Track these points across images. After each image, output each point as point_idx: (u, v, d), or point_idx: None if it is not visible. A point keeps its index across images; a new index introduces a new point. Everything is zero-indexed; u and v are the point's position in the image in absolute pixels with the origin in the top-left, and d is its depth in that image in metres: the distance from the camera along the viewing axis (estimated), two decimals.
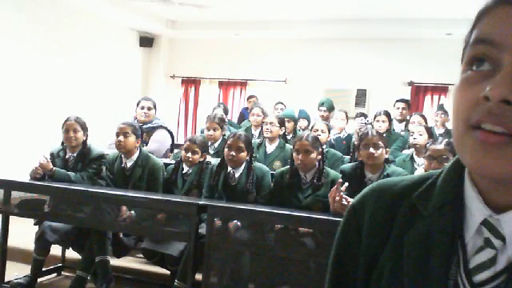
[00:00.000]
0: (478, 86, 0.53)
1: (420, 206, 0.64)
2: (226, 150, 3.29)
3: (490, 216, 0.57)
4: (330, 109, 5.65)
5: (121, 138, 3.50)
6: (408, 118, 5.36)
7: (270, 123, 4.31)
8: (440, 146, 2.91)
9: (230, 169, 3.32)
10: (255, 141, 4.35)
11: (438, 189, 0.64)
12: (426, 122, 4.92)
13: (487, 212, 0.58)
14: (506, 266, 0.56)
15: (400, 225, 0.65)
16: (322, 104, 5.70)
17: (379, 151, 3.04)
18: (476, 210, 0.59)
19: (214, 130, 4.34)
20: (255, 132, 5.08)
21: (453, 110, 0.57)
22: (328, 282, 0.73)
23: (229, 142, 3.28)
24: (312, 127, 4.53)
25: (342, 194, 2.67)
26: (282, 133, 4.38)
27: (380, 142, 3.06)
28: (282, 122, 4.40)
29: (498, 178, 0.53)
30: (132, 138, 3.52)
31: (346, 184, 2.71)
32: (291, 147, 3.41)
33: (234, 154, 3.23)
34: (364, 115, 5.76)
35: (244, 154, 3.27)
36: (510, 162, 0.51)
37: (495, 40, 0.53)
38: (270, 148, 4.32)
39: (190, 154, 3.51)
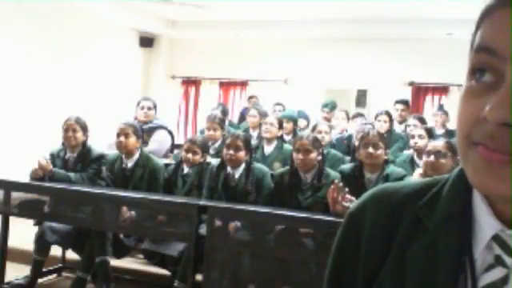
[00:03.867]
0: (479, 99, 0.48)
1: (424, 218, 0.58)
2: (224, 149, 3.29)
3: (501, 230, 0.52)
4: (334, 110, 5.66)
5: (122, 138, 3.49)
6: (408, 118, 5.33)
7: (270, 124, 4.29)
8: (439, 142, 2.92)
9: (229, 169, 3.31)
10: (253, 142, 4.32)
11: (443, 198, 0.58)
12: (422, 124, 4.88)
13: (498, 226, 0.52)
14: None
15: (402, 237, 0.59)
16: (325, 106, 5.69)
17: (378, 151, 3.04)
18: (486, 223, 0.53)
19: (215, 130, 4.33)
20: (253, 133, 5.05)
21: (456, 120, 0.52)
22: None
23: (227, 142, 3.28)
24: (314, 128, 4.51)
25: (342, 194, 2.66)
26: (280, 134, 4.34)
27: (380, 143, 3.06)
28: (280, 123, 4.37)
29: (502, 197, 0.49)
30: (133, 139, 3.51)
31: (347, 189, 2.69)
32: (290, 147, 3.40)
33: (232, 152, 3.23)
34: (361, 115, 5.75)
35: (243, 154, 3.26)
36: None
37: (497, 50, 0.47)
38: (268, 149, 4.28)
39: (190, 155, 3.50)
